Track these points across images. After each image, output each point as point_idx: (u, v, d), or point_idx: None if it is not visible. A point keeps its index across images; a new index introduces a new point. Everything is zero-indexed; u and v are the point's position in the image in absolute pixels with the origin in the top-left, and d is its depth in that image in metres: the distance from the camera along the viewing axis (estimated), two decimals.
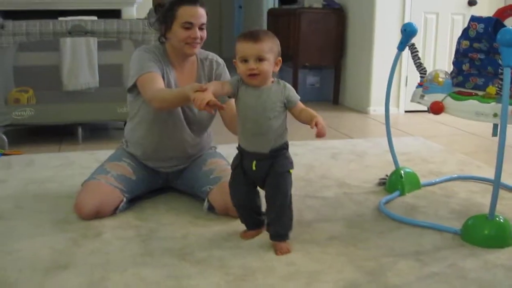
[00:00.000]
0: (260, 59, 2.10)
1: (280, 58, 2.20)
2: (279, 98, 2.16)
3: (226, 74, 2.75)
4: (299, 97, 2.21)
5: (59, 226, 2.44)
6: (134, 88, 2.57)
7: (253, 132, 2.17)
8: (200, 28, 2.55)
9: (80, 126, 4.00)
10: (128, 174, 2.66)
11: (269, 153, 2.17)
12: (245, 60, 2.11)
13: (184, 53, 2.59)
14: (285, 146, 2.22)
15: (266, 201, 2.23)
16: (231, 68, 2.42)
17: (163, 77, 2.56)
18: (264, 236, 2.31)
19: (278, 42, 2.19)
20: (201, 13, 2.54)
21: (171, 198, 2.81)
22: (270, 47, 2.13)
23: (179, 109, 2.61)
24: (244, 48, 2.11)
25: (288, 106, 2.18)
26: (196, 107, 2.06)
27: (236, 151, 2.27)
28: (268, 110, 2.14)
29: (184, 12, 2.51)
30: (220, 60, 2.78)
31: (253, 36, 2.10)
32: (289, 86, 2.22)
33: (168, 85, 2.58)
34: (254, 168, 2.19)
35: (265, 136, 2.15)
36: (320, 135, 2.07)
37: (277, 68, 2.19)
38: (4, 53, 3.75)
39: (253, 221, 2.34)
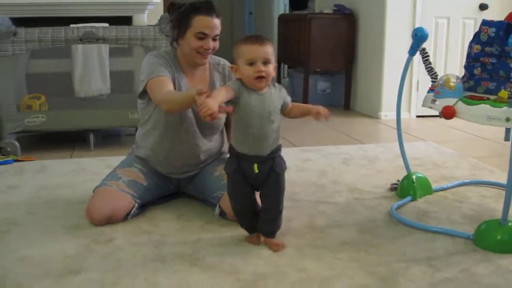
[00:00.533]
0: (267, 61, 2.13)
1: (276, 64, 2.23)
2: (279, 101, 2.24)
3: None
4: (289, 99, 2.32)
5: (71, 231, 2.45)
6: (145, 94, 2.58)
7: (257, 137, 2.18)
8: (214, 39, 2.55)
9: (92, 133, 4.01)
10: (139, 179, 2.66)
11: (268, 155, 2.21)
12: (251, 63, 2.12)
13: (194, 62, 2.60)
14: (280, 147, 2.27)
15: (264, 201, 2.28)
16: None
17: (174, 83, 2.56)
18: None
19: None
20: (216, 24, 2.53)
21: (182, 203, 2.81)
22: (272, 51, 2.17)
23: (192, 114, 2.61)
24: (251, 50, 2.12)
25: (283, 107, 2.27)
26: (200, 114, 2.00)
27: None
28: (272, 114, 2.19)
29: (200, 22, 2.50)
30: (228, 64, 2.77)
31: (258, 39, 2.14)
32: (283, 88, 2.29)
33: (179, 89, 2.59)
34: (257, 170, 2.20)
35: (266, 140, 2.19)
36: (326, 115, 2.26)
37: (274, 73, 2.21)
38: (17, 60, 3.78)
39: (254, 224, 2.34)
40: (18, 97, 3.90)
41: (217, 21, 2.54)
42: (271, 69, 2.15)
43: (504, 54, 2.55)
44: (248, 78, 2.14)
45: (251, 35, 2.20)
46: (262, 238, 2.33)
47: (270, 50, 2.14)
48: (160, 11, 4.82)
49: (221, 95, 2.09)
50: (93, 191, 2.63)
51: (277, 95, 2.23)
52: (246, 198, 2.30)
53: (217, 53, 2.70)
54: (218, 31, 2.55)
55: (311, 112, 2.30)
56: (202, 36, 2.51)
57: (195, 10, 2.50)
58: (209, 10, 2.51)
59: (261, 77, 2.12)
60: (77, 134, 4.20)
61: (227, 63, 2.76)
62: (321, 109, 2.27)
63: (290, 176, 2.81)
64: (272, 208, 2.27)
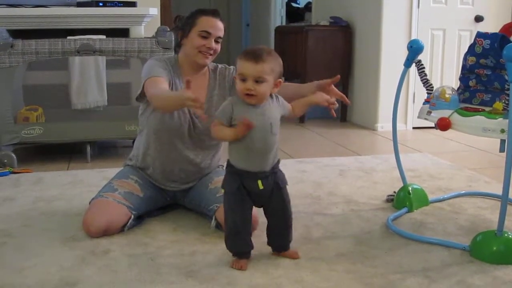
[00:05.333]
0: (259, 80, 2.09)
1: (280, 80, 2.18)
2: (279, 111, 2.22)
3: None
4: (287, 104, 2.30)
5: (68, 243, 2.45)
6: (143, 97, 2.60)
7: (260, 151, 2.15)
8: (216, 41, 2.60)
9: (89, 144, 4.01)
10: (136, 191, 2.67)
11: (270, 170, 2.19)
12: (243, 79, 2.10)
13: (195, 61, 2.61)
14: (279, 161, 2.26)
15: (271, 217, 2.27)
16: None
17: (171, 88, 2.58)
18: (270, 252, 2.32)
19: (281, 62, 2.17)
20: (219, 26, 2.60)
21: (178, 215, 2.81)
22: (272, 68, 2.11)
23: (187, 126, 2.62)
24: (244, 67, 2.09)
25: (284, 114, 2.27)
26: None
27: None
28: (273, 126, 2.16)
29: (204, 21, 2.57)
30: (231, 66, 2.77)
31: (255, 56, 2.08)
32: (279, 96, 2.26)
33: None
34: (261, 187, 2.17)
35: (269, 153, 2.17)
36: (330, 101, 2.37)
37: (276, 90, 2.18)
38: (14, 72, 3.78)
39: (251, 246, 2.24)
40: (15, 108, 3.91)
41: (220, 24, 2.61)
42: (264, 87, 2.10)
43: (499, 66, 2.56)
44: (239, 93, 2.13)
45: (251, 49, 2.14)
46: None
47: (267, 68, 2.08)
48: (157, 23, 4.83)
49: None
50: (89, 203, 2.63)
51: (275, 106, 2.21)
52: (248, 215, 2.21)
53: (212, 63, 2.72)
54: (221, 33, 2.60)
55: (312, 102, 2.34)
56: (205, 35, 2.56)
57: (201, 11, 2.61)
58: (214, 12, 2.61)
59: (249, 95, 2.10)
60: (74, 146, 4.21)
61: (224, 65, 2.80)
62: (321, 99, 2.35)
63: None
64: (281, 223, 2.26)
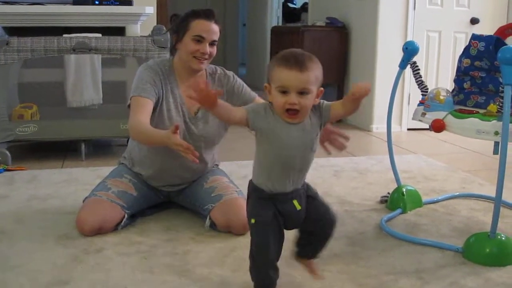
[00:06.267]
0: (304, 91, 1.74)
1: (322, 88, 1.84)
2: (318, 124, 1.88)
3: (238, 83, 2.72)
4: (327, 102, 1.90)
5: (61, 242, 2.44)
6: None
7: (299, 170, 1.88)
8: (211, 44, 2.53)
9: (84, 143, 4.01)
10: (130, 190, 2.66)
11: (301, 186, 1.92)
12: (284, 91, 1.74)
13: (190, 67, 2.56)
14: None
15: (313, 227, 1.96)
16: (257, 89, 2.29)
17: (162, 96, 2.55)
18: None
19: (321, 68, 1.81)
20: (214, 30, 2.52)
21: (172, 214, 2.81)
22: (316, 77, 1.77)
23: (180, 135, 2.59)
24: (285, 77, 1.73)
25: (326, 120, 1.90)
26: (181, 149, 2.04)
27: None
28: (314, 141, 1.87)
29: (198, 26, 2.49)
30: (229, 72, 2.74)
31: (299, 63, 1.73)
32: (320, 103, 1.88)
33: (173, 99, 2.59)
34: (299, 207, 1.88)
35: (306, 169, 1.91)
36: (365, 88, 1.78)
37: (318, 100, 1.84)
38: (9, 69, 3.78)
39: (278, 275, 1.95)
40: (10, 106, 3.90)
41: (215, 27, 2.53)
42: (309, 100, 1.76)
43: (494, 68, 2.57)
44: (278, 108, 1.77)
45: (291, 54, 1.77)
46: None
47: (312, 77, 1.74)
48: (153, 22, 4.83)
49: (223, 107, 1.79)
50: (83, 202, 2.63)
51: (316, 120, 1.86)
52: (279, 247, 1.90)
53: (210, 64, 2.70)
54: (215, 36, 2.53)
55: (352, 94, 1.80)
56: (199, 39, 2.49)
57: (195, 14, 2.51)
58: (208, 15, 2.52)
59: (292, 111, 1.75)
60: (68, 144, 4.20)
61: (224, 70, 2.73)
62: (357, 88, 1.79)
63: None
64: (327, 229, 1.97)
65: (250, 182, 1.91)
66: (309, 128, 1.83)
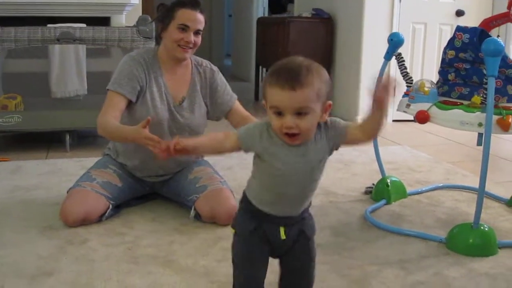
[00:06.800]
0: (302, 112, 1.45)
1: (330, 102, 1.52)
2: (325, 148, 1.59)
3: (221, 81, 2.76)
4: (343, 121, 1.61)
5: (45, 233, 2.44)
6: None
7: (294, 198, 1.61)
8: (196, 33, 2.55)
9: (68, 133, 3.98)
10: (114, 181, 2.65)
11: (300, 215, 1.65)
12: (278, 113, 1.46)
13: (174, 55, 2.58)
14: (310, 203, 1.69)
15: (289, 273, 1.70)
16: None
17: (146, 85, 2.56)
18: None
19: (327, 77, 1.52)
20: (199, 19, 2.54)
21: (157, 205, 2.81)
22: (317, 91, 1.46)
23: (167, 122, 2.61)
24: (276, 97, 1.45)
25: (337, 142, 1.60)
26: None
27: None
28: (316, 170, 1.60)
29: (183, 14, 2.52)
30: (215, 68, 2.78)
31: (292, 80, 1.43)
32: (331, 120, 1.58)
33: (158, 88, 2.60)
34: (284, 236, 1.61)
35: (304, 200, 1.64)
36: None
37: (325, 116, 1.53)
38: None
39: None
40: None
41: (200, 16, 2.55)
42: (310, 121, 1.47)
43: (478, 60, 2.58)
44: (276, 131, 1.50)
45: (284, 67, 1.48)
46: None
47: (311, 94, 1.44)
48: (138, 12, 4.80)
49: (199, 141, 1.64)
50: (67, 192, 2.61)
51: (323, 142, 1.57)
52: (261, 268, 1.66)
53: (196, 55, 2.70)
54: (200, 25, 2.56)
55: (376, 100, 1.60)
56: (183, 28, 2.51)
57: (180, 4, 2.54)
58: (194, 4, 2.54)
59: (291, 135, 1.47)
60: (53, 135, 4.18)
61: (210, 64, 2.77)
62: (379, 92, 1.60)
63: None
64: (300, 282, 1.71)
65: (244, 191, 1.68)
66: (312, 154, 1.55)
